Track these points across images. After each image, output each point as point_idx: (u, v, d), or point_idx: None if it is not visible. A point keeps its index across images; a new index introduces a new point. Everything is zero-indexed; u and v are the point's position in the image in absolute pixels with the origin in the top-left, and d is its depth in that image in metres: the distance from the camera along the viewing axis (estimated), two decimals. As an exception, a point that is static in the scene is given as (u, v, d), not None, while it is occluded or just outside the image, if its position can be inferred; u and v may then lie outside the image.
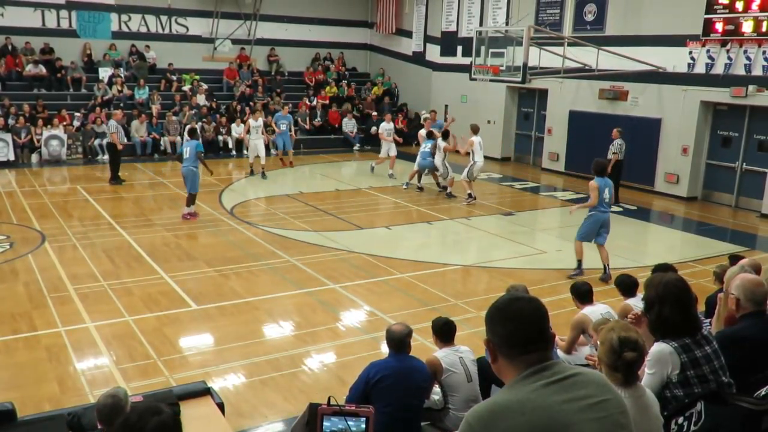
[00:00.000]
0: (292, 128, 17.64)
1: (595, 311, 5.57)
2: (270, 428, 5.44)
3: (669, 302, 3.27)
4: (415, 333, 7.16)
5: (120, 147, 15.09)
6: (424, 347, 6.37)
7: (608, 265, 9.13)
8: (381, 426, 4.27)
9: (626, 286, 5.92)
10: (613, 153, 13.85)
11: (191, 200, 11.96)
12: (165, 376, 6.13)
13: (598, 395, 1.99)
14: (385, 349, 4.70)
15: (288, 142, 17.06)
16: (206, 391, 4.53)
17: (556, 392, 1.94)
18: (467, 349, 4.94)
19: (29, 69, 19.29)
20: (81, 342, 6.83)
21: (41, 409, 5.27)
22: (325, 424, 3.07)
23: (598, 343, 3.01)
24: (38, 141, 17.34)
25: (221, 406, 4.47)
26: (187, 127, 13.83)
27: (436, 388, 4.88)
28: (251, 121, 16.30)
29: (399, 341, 4.48)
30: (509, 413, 1.91)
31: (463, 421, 2.00)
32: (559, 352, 5.67)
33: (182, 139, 18.93)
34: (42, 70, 19.43)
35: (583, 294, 5.83)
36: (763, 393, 3.19)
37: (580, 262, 9.22)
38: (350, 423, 3.05)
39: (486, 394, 4.96)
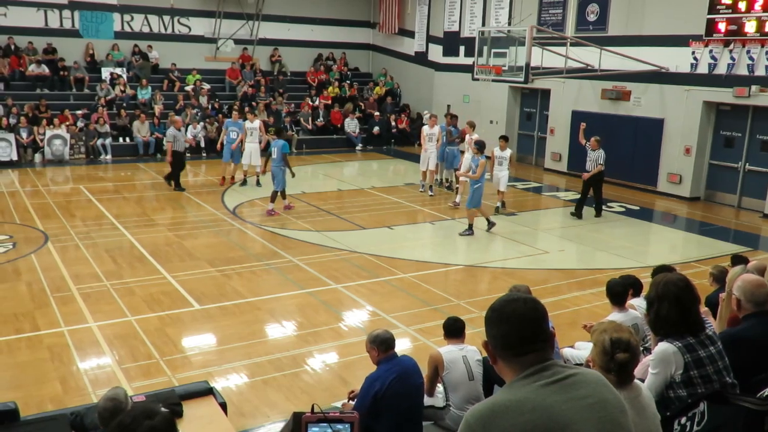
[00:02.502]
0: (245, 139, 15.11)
1: (625, 320, 5.01)
2: (272, 428, 5.43)
3: (667, 300, 3.28)
4: (417, 333, 7.22)
5: (169, 159, 14.10)
6: (426, 347, 6.37)
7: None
8: (387, 430, 4.28)
9: (615, 293, 5.70)
10: (600, 164, 12.47)
11: (274, 197, 12.50)
12: (167, 376, 6.13)
13: (598, 395, 1.99)
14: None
15: (236, 154, 14.93)
16: (209, 391, 4.54)
17: (556, 392, 1.94)
18: (473, 349, 4.93)
19: (32, 69, 19.33)
20: (83, 342, 6.84)
21: (44, 409, 5.28)
22: (312, 431, 3.05)
23: (591, 344, 3.01)
24: (41, 141, 17.37)
25: (224, 406, 4.48)
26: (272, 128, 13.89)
27: (440, 387, 4.88)
28: (247, 123, 14.81)
29: (389, 339, 4.50)
30: (509, 413, 1.91)
31: (463, 421, 2.00)
32: (566, 351, 5.62)
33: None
34: (45, 70, 19.46)
35: (615, 295, 5.50)
36: (766, 393, 3.18)
37: (470, 225, 11.39)
38: (335, 429, 3.03)
39: (489, 394, 4.95)
